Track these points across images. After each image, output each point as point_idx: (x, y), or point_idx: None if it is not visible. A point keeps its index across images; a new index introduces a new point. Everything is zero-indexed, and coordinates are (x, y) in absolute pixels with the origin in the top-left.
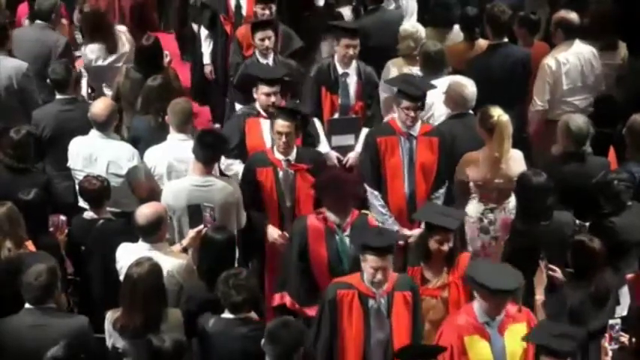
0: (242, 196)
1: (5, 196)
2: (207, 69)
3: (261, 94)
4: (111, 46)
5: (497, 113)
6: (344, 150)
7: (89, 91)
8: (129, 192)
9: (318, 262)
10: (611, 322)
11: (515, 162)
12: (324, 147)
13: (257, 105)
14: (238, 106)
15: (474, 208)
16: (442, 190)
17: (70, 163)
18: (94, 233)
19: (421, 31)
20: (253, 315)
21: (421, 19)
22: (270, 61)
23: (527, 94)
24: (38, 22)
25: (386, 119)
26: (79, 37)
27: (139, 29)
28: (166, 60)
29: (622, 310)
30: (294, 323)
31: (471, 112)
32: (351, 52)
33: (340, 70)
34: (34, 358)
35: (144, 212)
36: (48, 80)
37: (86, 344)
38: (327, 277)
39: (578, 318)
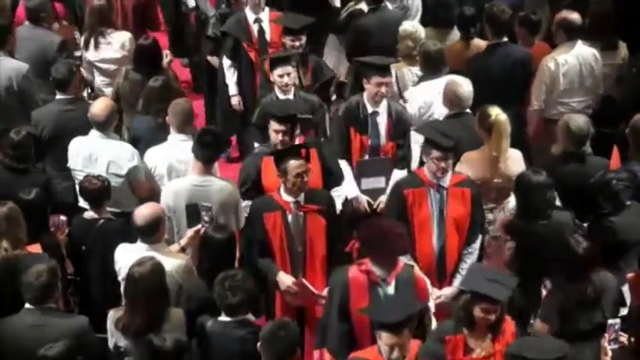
0: (248, 243)
1: (5, 197)
2: (235, 100)
3: (272, 130)
4: (98, 42)
5: (496, 112)
6: (374, 193)
7: (89, 91)
8: (129, 192)
9: (361, 318)
10: (611, 322)
11: (514, 161)
12: (352, 190)
13: (271, 142)
14: (257, 145)
15: None
16: (476, 245)
17: (70, 163)
18: (94, 233)
19: (420, 31)
20: (250, 317)
21: (422, 19)
22: (289, 97)
23: (527, 94)
24: (28, 22)
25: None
26: (78, 36)
27: (142, 29)
28: (166, 60)
29: (622, 310)
30: (291, 326)
31: (469, 111)
32: (382, 90)
33: (370, 109)
34: (34, 357)
35: (142, 213)
36: (51, 79)
37: (86, 344)
38: (370, 334)
39: (569, 320)
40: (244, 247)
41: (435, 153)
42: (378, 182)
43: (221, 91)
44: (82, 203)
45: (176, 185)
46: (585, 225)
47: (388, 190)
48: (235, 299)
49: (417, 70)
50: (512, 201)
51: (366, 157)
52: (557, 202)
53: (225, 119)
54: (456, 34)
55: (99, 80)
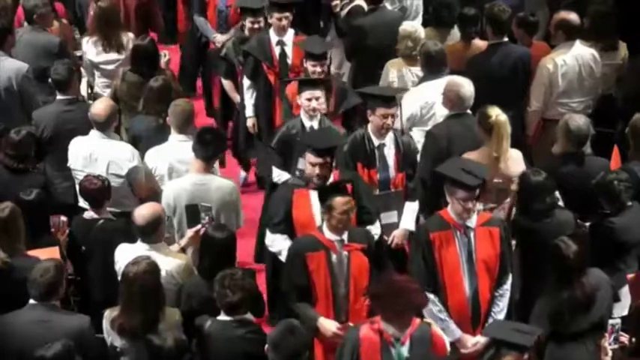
0: (286, 285)
1: (5, 197)
2: (250, 122)
3: (308, 163)
4: (112, 45)
5: (496, 113)
6: (387, 229)
7: (89, 91)
8: (129, 192)
9: None
10: (611, 322)
11: (514, 162)
12: (374, 227)
13: (300, 168)
14: (276, 172)
15: None
16: (507, 286)
17: (70, 163)
18: (94, 233)
19: (420, 31)
20: (249, 316)
21: (422, 19)
22: (315, 123)
23: (526, 93)
24: (26, 24)
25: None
26: (78, 36)
27: (144, 29)
28: (164, 60)
29: (622, 310)
30: (299, 329)
31: (469, 111)
32: (389, 121)
33: (376, 142)
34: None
35: (142, 213)
36: (49, 80)
37: (88, 343)
38: None
39: (561, 322)
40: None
41: (461, 193)
42: (391, 217)
43: (241, 113)
44: (82, 203)
45: (177, 185)
46: (587, 225)
47: (403, 222)
48: (235, 298)
49: (417, 71)
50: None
51: (376, 191)
52: (560, 202)
53: (245, 140)
54: (455, 34)
55: (99, 81)
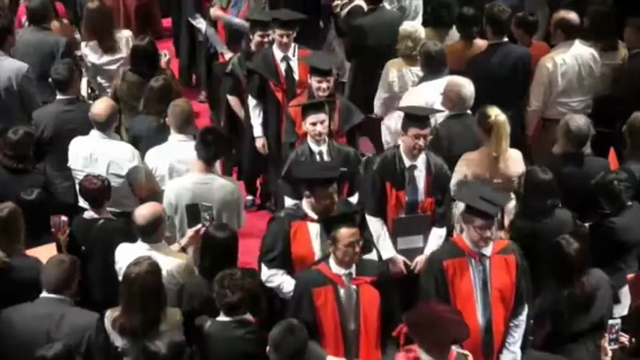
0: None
1: (4, 197)
2: (259, 142)
3: (313, 196)
4: (107, 47)
5: (495, 113)
6: (411, 253)
7: (89, 91)
8: (129, 192)
9: None
10: (611, 322)
11: (514, 161)
12: (388, 251)
13: (304, 205)
14: (288, 201)
15: None
16: (523, 317)
17: (71, 163)
18: (94, 233)
19: (420, 31)
20: (249, 317)
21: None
22: (323, 148)
23: (526, 93)
24: (34, 25)
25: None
26: (78, 36)
27: (144, 30)
28: (164, 60)
29: (622, 310)
30: (299, 329)
31: (469, 111)
32: (421, 142)
33: (407, 163)
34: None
35: (142, 212)
36: (50, 80)
37: (99, 340)
38: None
39: (562, 321)
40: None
41: (479, 222)
42: (416, 241)
43: (247, 133)
44: (82, 203)
45: (178, 184)
46: (587, 225)
47: (427, 247)
48: (234, 297)
49: (417, 71)
50: (512, 201)
51: (403, 214)
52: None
53: (251, 162)
54: (455, 34)
55: (101, 82)
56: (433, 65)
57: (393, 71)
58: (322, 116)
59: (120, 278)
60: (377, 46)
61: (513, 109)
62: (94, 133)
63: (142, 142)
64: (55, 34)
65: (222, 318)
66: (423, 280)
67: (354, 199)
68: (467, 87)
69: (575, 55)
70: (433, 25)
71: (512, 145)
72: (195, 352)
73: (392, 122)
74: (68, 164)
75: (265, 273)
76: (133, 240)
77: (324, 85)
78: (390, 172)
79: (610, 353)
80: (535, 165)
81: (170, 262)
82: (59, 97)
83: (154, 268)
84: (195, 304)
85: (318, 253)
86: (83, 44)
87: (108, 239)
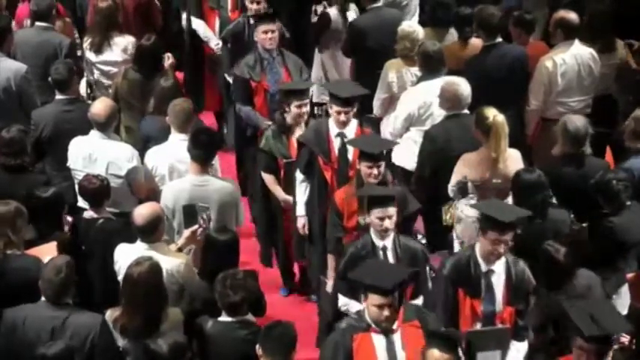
0: None
1: (4, 197)
2: (300, 222)
3: (371, 305)
4: (110, 45)
5: (493, 114)
6: None
7: (88, 91)
8: (128, 192)
9: None
10: None
11: (513, 161)
12: None
13: (366, 315)
14: (342, 300)
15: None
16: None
17: (70, 163)
18: (94, 233)
19: (419, 31)
20: (251, 317)
21: (419, 19)
22: (388, 243)
23: (525, 93)
24: (39, 23)
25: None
26: (77, 37)
27: (143, 30)
28: (168, 62)
29: (622, 310)
30: (287, 326)
31: (466, 112)
32: (501, 249)
33: (484, 268)
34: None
35: (141, 212)
36: (49, 79)
37: (101, 341)
38: None
39: (563, 326)
40: None
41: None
42: (494, 357)
43: (293, 211)
44: (82, 203)
45: (176, 186)
46: (584, 225)
47: None
48: (236, 298)
49: (415, 71)
50: (511, 201)
51: (478, 325)
52: (553, 201)
53: (299, 244)
54: (453, 34)
55: (100, 81)
56: (431, 65)
57: (392, 72)
58: (391, 210)
59: (119, 278)
60: (376, 46)
61: (512, 109)
62: (94, 133)
63: (152, 142)
64: (59, 35)
65: (224, 318)
66: None
67: (418, 301)
68: (462, 86)
69: (575, 55)
70: (432, 25)
71: (512, 145)
72: (195, 353)
73: (384, 127)
74: (67, 164)
75: None
76: (132, 240)
77: (374, 171)
78: (464, 277)
79: (610, 353)
80: (534, 165)
81: (169, 261)
82: (58, 96)
83: (156, 268)
84: (198, 305)
85: None
86: (86, 42)
87: (107, 239)
